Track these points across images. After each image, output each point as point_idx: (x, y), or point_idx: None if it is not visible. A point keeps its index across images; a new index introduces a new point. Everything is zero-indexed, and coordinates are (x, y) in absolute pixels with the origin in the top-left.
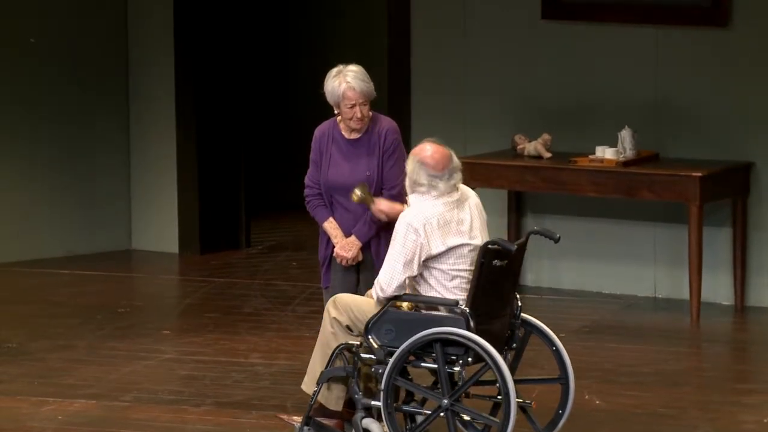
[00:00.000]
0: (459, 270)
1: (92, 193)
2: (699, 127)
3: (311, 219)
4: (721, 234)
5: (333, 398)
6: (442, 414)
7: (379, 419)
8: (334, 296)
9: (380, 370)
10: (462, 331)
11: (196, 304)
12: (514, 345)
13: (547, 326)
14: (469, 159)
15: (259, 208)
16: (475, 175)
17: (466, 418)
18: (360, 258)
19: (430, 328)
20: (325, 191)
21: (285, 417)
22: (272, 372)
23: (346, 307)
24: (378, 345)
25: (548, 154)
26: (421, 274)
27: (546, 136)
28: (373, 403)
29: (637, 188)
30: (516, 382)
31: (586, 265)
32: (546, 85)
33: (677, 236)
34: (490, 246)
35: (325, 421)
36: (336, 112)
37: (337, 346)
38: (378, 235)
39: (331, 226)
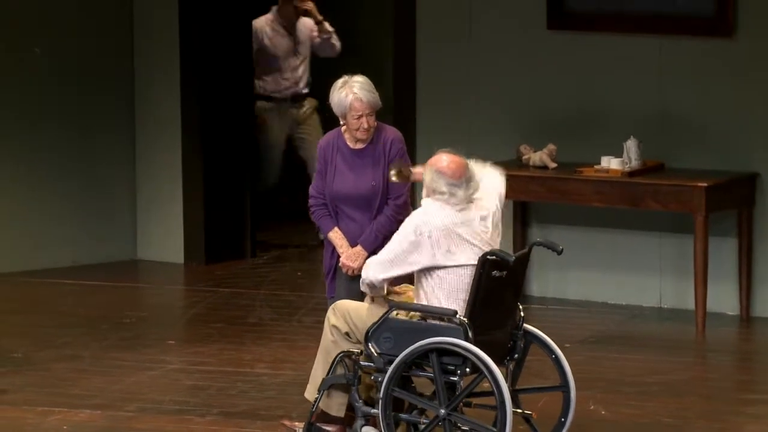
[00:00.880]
0: (463, 281)
1: (97, 203)
2: (704, 137)
3: (317, 228)
4: (726, 244)
5: (334, 405)
6: (440, 424)
7: (379, 427)
8: (334, 303)
9: (380, 379)
10: (458, 341)
11: (202, 314)
12: (516, 355)
13: (553, 336)
14: None
15: (265, 218)
16: None
17: (465, 427)
18: None
19: (429, 337)
20: (330, 201)
21: (287, 423)
22: (278, 382)
23: (345, 314)
24: (377, 353)
25: (553, 165)
26: (423, 281)
27: (551, 146)
28: (372, 411)
29: (643, 198)
30: (518, 391)
31: (591, 276)
32: (551, 95)
33: (682, 246)
34: (488, 257)
35: (327, 428)
36: (342, 122)
37: (338, 354)
38: (384, 245)
39: (336, 236)
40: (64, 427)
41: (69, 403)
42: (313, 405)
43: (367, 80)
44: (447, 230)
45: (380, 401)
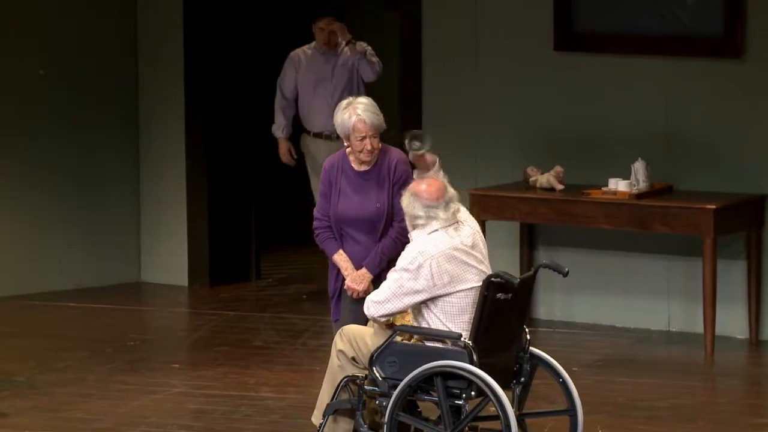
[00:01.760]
0: (466, 303)
1: (101, 225)
2: (713, 158)
3: (321, 251)
4: (735, 267)
5: (340, 430)
6: None
7: None
8: (341, 328)
9: (384, 403)
10: (463, 364)
11: (206, 338)
12: (522, 379)
13: (560, 360)
14: (481, 191)
15: (270, 240)
16: (486, 207)
17: None
18: (371, 290)
19: (434, 360)
20: (334, 223)
21: None
22: (282, 406)
23: (351, 339)
24: (382, 377)
25: (561, 186)
26: (427, 306)
27: (558, 168)
28: None
29: (651, 221)
30: (525, 415)
31: (599, 299)
32: (558, 116)
33: (691, 269)
34: (493, 279)
35: None
36: (346, 144)
37: (343, 378)
38: (389, 267)
39: (341, 258)
40: None
41: (71, 427)
42: (319, 430)
43: (372, 102)
44: (447, 255)
45: (385, 426)
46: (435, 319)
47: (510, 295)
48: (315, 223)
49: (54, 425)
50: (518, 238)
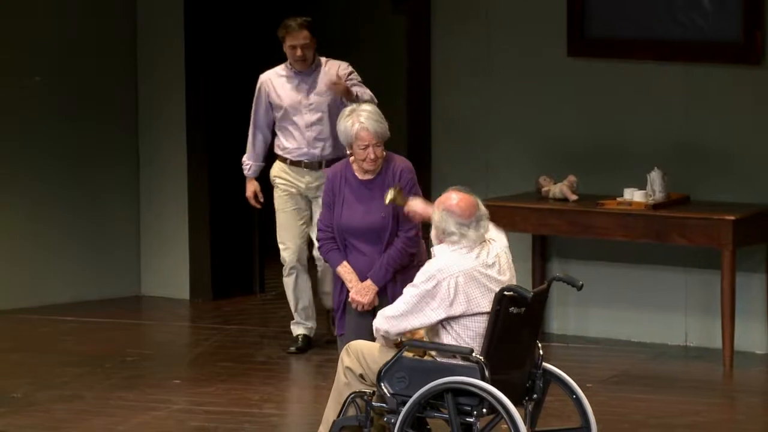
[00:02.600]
0: (479, 320)
1: (100, 238)
2: (732, 168)
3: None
4: (754, 280)
5: None
6: None
7: None
8: (347, 344)
9: (392, 420)
10: (474, 381)
11: (208, 353)
12: (535, 395)
13: (574, 376)
14: (492, 202)
15: (273, 253)
16: (498, 218)
17: None
18: (376, 303)
19: (444, 376)
20: (338, 234)
21: None
22: (286, 422)
23: (359, 355)
24: (390, 393)
25: (574, 197)
26: (442, 326)
27: (572, 178)
28: None
29: (668, 232)
30: None
31: (614, 313)
32: (572, 124)
33: (709, 282)
34: (505, 293)
35: None
36: (349, 152)
37: (350, 395)
38: (394, 279)
39: (345, 270)
40: None
41: None
42: None
43: (376, 109)
44: (467, 275)
45: None
46: (451, 340)
47: (523, 309)
48: (318, 234)
49: None
50: (530, 250)
